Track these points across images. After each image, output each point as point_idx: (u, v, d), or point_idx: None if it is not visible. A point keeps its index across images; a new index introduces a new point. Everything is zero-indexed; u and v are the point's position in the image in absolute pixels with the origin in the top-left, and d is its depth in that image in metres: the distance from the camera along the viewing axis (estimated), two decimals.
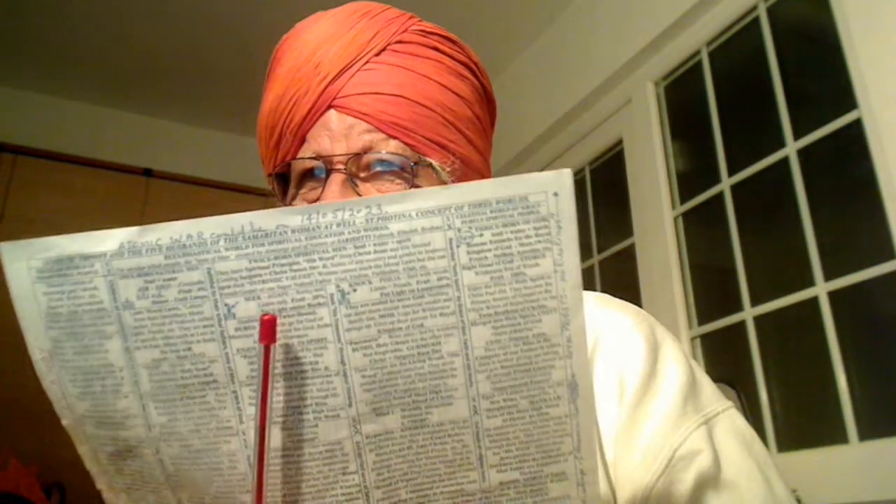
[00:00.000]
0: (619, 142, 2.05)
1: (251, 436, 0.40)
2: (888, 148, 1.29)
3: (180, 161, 2.78)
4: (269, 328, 0.37)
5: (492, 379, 0.40)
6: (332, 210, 0.38)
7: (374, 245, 0.38)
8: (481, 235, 0.38)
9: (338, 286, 0.38)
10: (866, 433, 1.29)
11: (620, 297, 0.67)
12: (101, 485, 0.44)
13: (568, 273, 0.39)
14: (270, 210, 0.39)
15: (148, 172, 2.71)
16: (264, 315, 0.38)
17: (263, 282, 0.38)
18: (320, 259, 0.38)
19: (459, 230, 0.38)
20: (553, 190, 0.38)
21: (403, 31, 0.62)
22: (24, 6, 2.19)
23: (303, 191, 0.62)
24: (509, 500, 0.42)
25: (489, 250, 0.38)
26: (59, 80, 2.57)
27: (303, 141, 0.61)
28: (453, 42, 0.65)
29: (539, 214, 0.38)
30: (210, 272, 0.38)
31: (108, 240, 0.38)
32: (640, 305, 0.66)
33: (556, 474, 0.42)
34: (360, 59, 0.60)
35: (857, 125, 1.38)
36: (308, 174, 0.61)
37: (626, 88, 2.02)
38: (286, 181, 0.63)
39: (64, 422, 0.41)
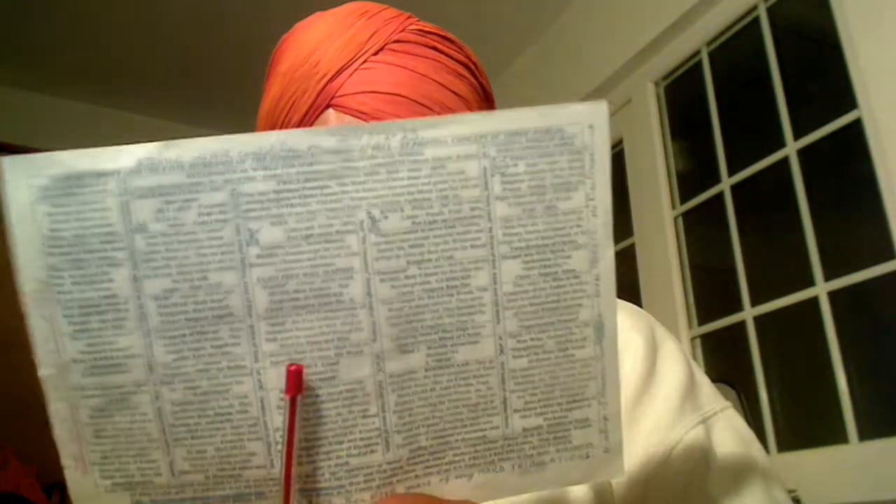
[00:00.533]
0: (620, 142, 2.05)
1: (266, 377, 0.37)
2: (888, 148, 1.29)
3: None
4: (295, 379, 0.36)
5: (519, 316, 0.39)
6: (368, 132, 0.36)
7: (408, 171, 0.36)
8: (516, 165, 0.37)
9: (368, 213, 0.36)
10: (866, 433, 1.29)
11: (620, 297, 0.66)
12: (67, 458, 0.39)
13: (600, 208, 0.38)
14: (303, 130, 0.36)
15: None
16: (291, 365, 0.36)
17: (291, 206, 0.36)
18: (352, 183, 0.36)
19: (494, 159, 0.37)
20: (589, 122, 0.37)
21: (401, 31, 0.62)
22: (21, 5, 2.19)
23: None
24: (532, 448, 0.41)
25: (523, 181, 0.37)
26: (56, 80, 2.57)
27: None
28: (451, 42, 0.65)
29: (574, 146, 0.37)
30: (234, 193, 0.35)
31: (124, 155, 0.35)
32: (640, 305, 0.66)
33: (580, 420, 0.41)
34: (359, 58, 0.60)
35: (857, 125, 1.37)
36: None
37: (626, 88, 2.02)
38: None
39: (43, 371, 0.37)
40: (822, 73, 1.54)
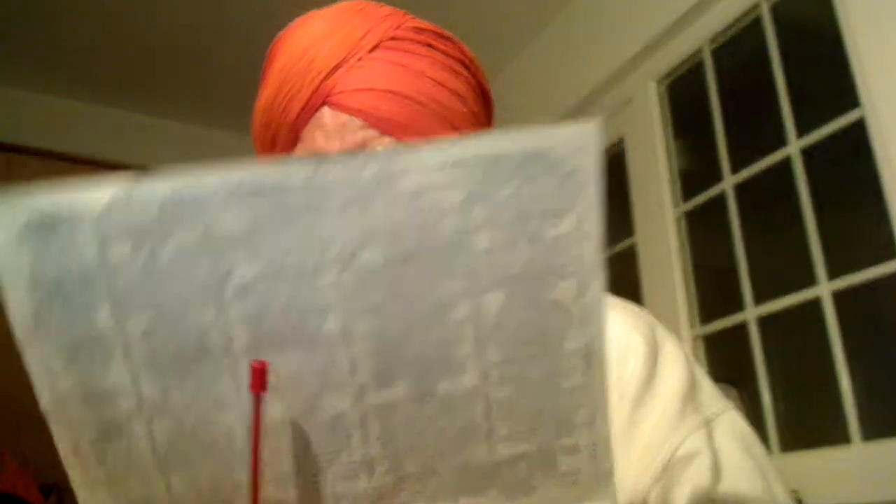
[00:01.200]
0: (621, 141, 2.05)
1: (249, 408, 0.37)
2: (891, 147, 1.28)
3: (179, 160, 2.77)
4: (259, 376, 0.35)
5: (503, 347, 0.38)
6: (340, 164, 0.35)
7: (383, 203, 0.35)
8: (498, 193, 0.35)
9: (343, 247, 0.35)
10: (869, 434, 1.29)
11: (622, 297, 0.66)
12: (76, 481, 0.41)
13: (590, 234, 0.37)
14: (274, 164, 0.35)
15: (147, 172, 2.70)
16: (254, 362, 0.35)
17: (264, 241, 0.35)
18: (326, 217, 0.35)
19: (475, 187, 0.35)
20: (577, 145, 0.35)
21: (397, 28, 0.62)
22: (20, 4, 2.19)
23: None
24: (519, 475, 0.40)
25: (506, 209, 0.35)
26: (54, 78, 2.56)
27: (297, 139, 0.61)
28: (447, 38, 0.65)
29: (562, 171, 0.35)
30: (208, 230, 0.35)
31: (98, 195, 0.35)
32: (641, 305, 0.66)
33: (568, 447, 0.40)
34: (354, 55, 0.60)
35: (860, 124, 1.37)
36: None
37: (628, 87, 2.01)
38: None
39: (44, 403, 0.38)
40: (824, 72, 1.53)
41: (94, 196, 0.35)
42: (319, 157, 0.35)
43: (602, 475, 0.41)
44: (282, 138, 0.61)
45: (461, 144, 0.35)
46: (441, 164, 0.35)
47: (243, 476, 0.38)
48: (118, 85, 2.61)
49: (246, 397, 0.37)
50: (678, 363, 0.59)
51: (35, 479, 1.82)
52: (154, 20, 2.29)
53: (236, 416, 0.37)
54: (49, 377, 0.37)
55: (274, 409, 0.38)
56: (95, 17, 2.26)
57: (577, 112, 2.17)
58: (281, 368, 0.37)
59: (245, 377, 0.36)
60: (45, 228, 0.35)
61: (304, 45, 0.61)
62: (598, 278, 0.37)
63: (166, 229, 0.35)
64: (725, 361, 1.67)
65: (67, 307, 0.36)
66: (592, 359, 0.38)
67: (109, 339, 0.36)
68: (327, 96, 0.59)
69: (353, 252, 0.35)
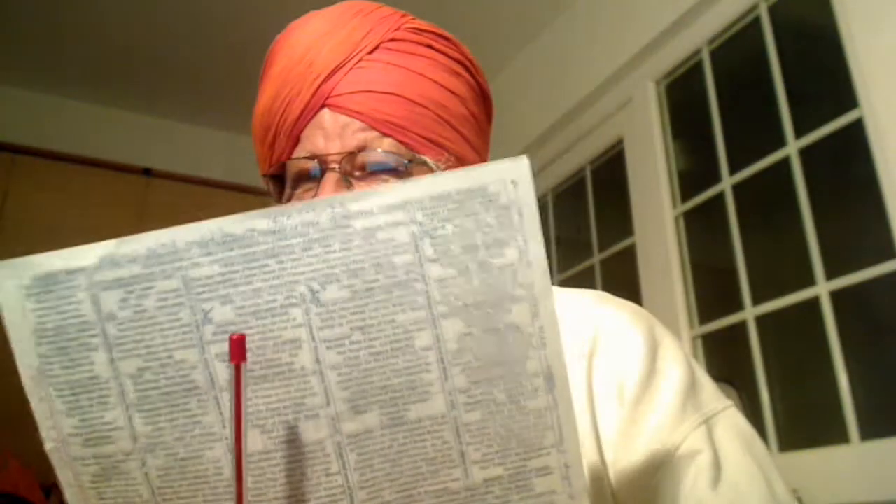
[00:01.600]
0: (620, 141, 2.05)
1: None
2: (889, 147, 1.29)
3: (180, 160, 2.77)
4: (238, 347, 0.38)
5: (467, 372, 0.40)
6: (298, 211, 0.39)
7: (340, 243, 0.39)
8: (444, 227, 0.39)
9: (308, 286, 0.39)
10: (868, 433, 1.29)
11: (621, 297, 0.66)
12: None
13: (533, 261, 0.39)
14: (238, 215, 0.39)
15: (147, 172, 2.71)
16: (233, 335, 0.38)
17: (236, 285, 0.39)
18: (289, 260, 0.39)
19: (422, 224, 0.39)
20: (511, 178, 0.38)
21: (396, 29, 0.62)
22: (21, 4, 2.19)
23: (298, 191, 0.62)
24: (495, 498, 0.42)
25: (453, 242, 0.39)
26: (57, 79, 2.56)
27: (297, 141, 0.61)
28: (447, 39, 0.65)
29: (499, 203, 0.38)
30: (185, 279, 0.39)
31: (88, 254, 0.39)
32: (640, 305, 0.66)
33: (541, 469, 0.41)
34: (353, 57, 0.60)
35: (858, 124, 1.37)
36: (303, 174, 0.61)
37: (627, 88, 2.02)
38: (282, 181, 0.63)
39: (48, 445, 0.42)
40: (823, 72, 1.54)
41: (85, 255, 0.40)
42: (279, 208, 0.39)
43: (577, 495, 0.42)
44: (281, 140, 0.61)
45: (405, 187, 0.39)
46: (389, 206, 0.38)
47: None
48: (118, 85, 2.61)
49: (230, 429, 0.40)
50: (678, 361, 0.60)
51: (37, 479, 1.83)
52: (154, 20, 2.29)
53: (222, 450, 0.41)
54: (53, 419, 0.41)
55: (256, 440, 0.40)
56: (96, 18, 2.26)
57: (576, 112, 2.17)
58: (260, 401, 0.40)
59: (228, 410, 0.40)
60: (47, 283, 0.40)
61: (303, 47, 0.61)
62: (548, 300, 0.39)
63: (149, 279, 0.39)
64: (724, 361, 1.68)
65: (68, 354, 0.40)
66: (555, 380, 0.40)
67: (106, 381, 0.40)
68: (327, 98, 0.59)
69: (317, 290, 0.39)
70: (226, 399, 0.40)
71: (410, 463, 0.41)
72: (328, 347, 0.39)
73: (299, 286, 0.39)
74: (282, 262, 0.39)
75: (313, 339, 0.39)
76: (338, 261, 0.39)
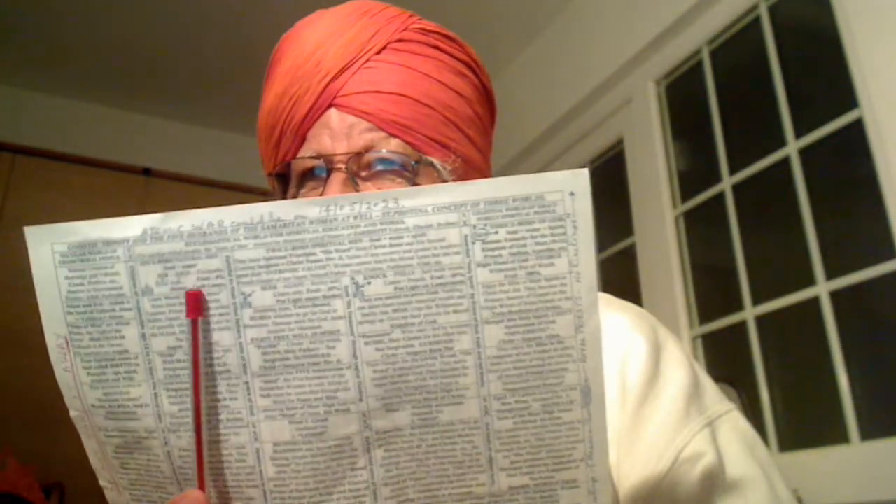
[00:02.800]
0: (620, 141, 2.05)
1: (261, 430, 0.40)
2: (889, 147, 1.29)
3: (179, 160, 2.77)
4: (194, 303, 0.38)
5: (503, 379, 0.40)
6: (350, 202, 0.38)
7: (390, 238, 0.38)
8: (496, 233, 0.38)
9: (352, 278, 0.38)
10: (867, 433, 1.29)
11: (621, 297, 0.66)
12: (104, 481, 0.43)
13: (583, 274, 0.39)
14: (290, 200, 0.39)
15: (147, 171, 2.71)
16: (189, 291, 0.38)
17: (280, 271, 0.38)
18: (336, 251, 0.38)
19: (475, 227, 0.38)
20: (570, 189, 0.38)
21: (404, 30, 0.62)
22: (21, 4, 2.19)
23: (303, 190, 0.61)
24: None
25: (504, 248, 0.38)
26: (57, 79, 2.56)
27: (303, 140, 0.61)
28: (453, 40, 0.65)
29: (555, 214, 0.38)
30: (229, 260, 0.38)
31: (131, 225, 0.39)
32: (640, 305, 0.66)
33: (568, 481, 0.41)
34: (361, 57, 0.60)
35: (858, 124, 1.37)
36: (308, 173, 0.61)
37: (627, 87, 2.02)
38: (286, 180, 0.63)
39: (72, 413, 0.41)
40: (823, 72, 1.54)
41: (128, 225, 0.39)
42: (331, 197, 0.39)
43: None
44: (287, 139, 0.61)
45: (462, 188, 0.38)
46: (443, 205, 0.38)
47: (252, 493, 0.40)
48: (118, 85, 2.61)
49: (258, 416, 0.40)
50: (681, 364, 0.60)
51: (37, 479, 1.83)
52: (154, 20, 2.29)
53: (247, 437, 0.40)
54: (78, 389, 0.40)
55: (283, 431, 0.40)
56: (96, 17, 2.26)
57: (577, 112, 2.17)
58: (292, 391, 0.39)
59: (257, 397, 0.39)
60: (85, 252, 0.39)
61: (311, 47, 0.61)
62: (594, 315, 0.39)
63: (192, 258, 0.38)
64: (724, 361, 1.68)
65: (98, 326, 0.40)
66: (591, 395, 0.40)
67: (135, 357, 0.40)
68: (334, 98, 0.59)
69: (362, 283, 0.38)
70: (256, 385, 0.39)
71: (438, 464, 0.41)
72: (366, 343, 0.39)
73: (344, 278, 0.38)
74: (329, 251, 0.38)
75: (352, 332, 0.39)
76: (385, 256, 0.38)
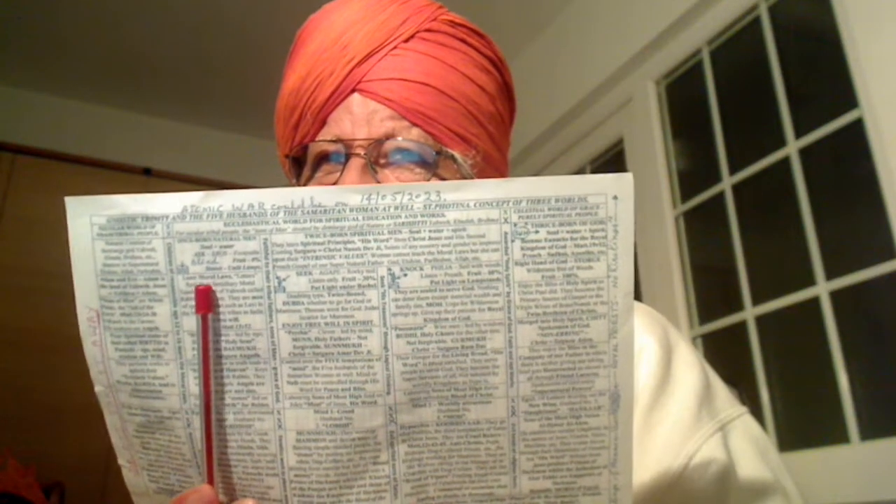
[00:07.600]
0: (620, 141, 2.05)
1: (286, 417, 0.39)
2: (889, 147, 1.28)
3: (180, 160, 2.77)
4: (203, 298, 0.37)
5: (533, 381, 0.39)
6: (392, 192, 0.38)
7: (430, 231, 0.38)
8: (537, 232, 0.38)
9: (389, 269, 0.38)
10: (868, 433, 1.29)
11: None
12: (122, 460, 0.43)
13: (621, 279, 0.38)
14: (332, 187, 0.39)
15: (147, 172, 2.71)
16: (199, 286, 0.38)
17: (317, 258, 0.38)
18: (375, 240, 0.38)
19: (515, 225, 0.38)
20: (614, 193, 0.38)
21: (433, 20, 0.61)
22: (21, 4, 2.19)
23: (319, 174, 0.60)
24: None
25: (543, 248, 0.38)
26: (57, 79, 2.56)
27: (323, 123, 0.59)
28: (481, 36, 0.65)
29: (597, 216, 0.38)
30: (266, 243, 0.38)
31: (172, 202, 0.39)
32: None
33: (589, 488, 0.41)
34: (389, 43, 0.59)
35: (858, 124, 1.37)
36: (325, 157, 0.60)
37: (627, 87, 2.01)
38: (301, 165, 0.62)
39: (97, 388, 0.41)
40: (823, 72, 1.54)
41: (168, 202, 0.39)
42: (373, 185, 0.38)
43: None
44: (307, 121, 0.60)
45: (505, 185, 0.38)
46: (485, 201, 0.38)
47: (272, 481, 0.40)
48: (118, 85, 2.61)
49: (283, 403, 0.39)
50: (692, 366, 0.59)
51: (36, 479, 1.83)
52: (154, 20, 2.29)
53: (271, 424, 0.39)
54: (104, 364, 0.40)
55: (308, 420, 0.39)
56: (95, 17, 2.26)
57: (576, 112, 2.17)
58: (319, 379, 0.39)
59: (284, 383, 0.39)
60: (123, 226, 0.39)
61: (338, 30, 0.60)
62: (629, 321, 0.39)
63: (230, 238, 0.38)
64: (724, 361, 1.67)
65: (131, 301, 0.39)
66: (620, 401, 0.39)
67: (165, 335, 0.39)
68: (359, 83, 0.58)
69: (398, 275, 0.38)
70: (285, 371, 0.39)
71: (460, 463, 0.40)
72: (398, 335, 0.38)
73: (380, 268, 0.38)
74: (367, 240, 0.38)
75: (385, 324, 0.38)
76: (424, 248, 0.38)
